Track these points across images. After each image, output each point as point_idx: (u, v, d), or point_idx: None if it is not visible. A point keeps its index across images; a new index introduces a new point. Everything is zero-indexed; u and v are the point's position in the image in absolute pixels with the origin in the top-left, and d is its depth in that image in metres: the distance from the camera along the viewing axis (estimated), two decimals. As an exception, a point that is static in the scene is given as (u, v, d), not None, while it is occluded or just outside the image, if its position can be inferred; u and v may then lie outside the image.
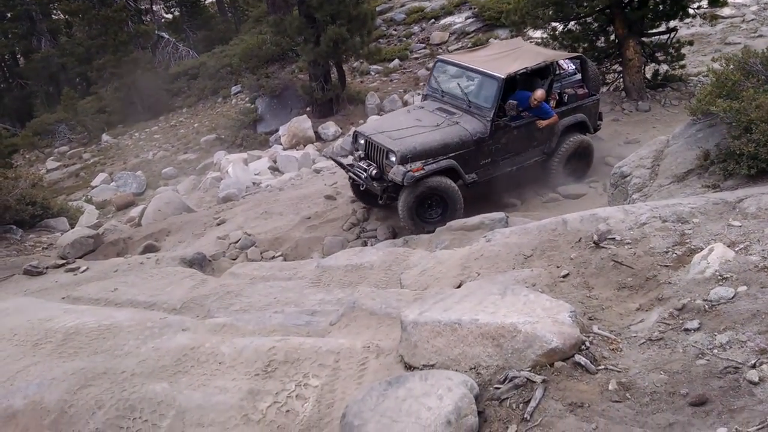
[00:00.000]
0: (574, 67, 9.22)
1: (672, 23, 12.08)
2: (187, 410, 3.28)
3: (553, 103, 8.55)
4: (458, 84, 8.44)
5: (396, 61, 19.74)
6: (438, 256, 5.39)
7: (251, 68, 20.56)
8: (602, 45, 12.45)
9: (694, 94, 9.48)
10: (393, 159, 7.59)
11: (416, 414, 2.59)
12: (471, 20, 20.58)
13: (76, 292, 6.58)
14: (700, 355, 2.81)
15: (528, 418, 2.62)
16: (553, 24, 12.46)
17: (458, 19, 20.90)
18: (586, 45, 12.33)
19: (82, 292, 6.60)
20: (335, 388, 3.26)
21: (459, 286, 4.29)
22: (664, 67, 12.55)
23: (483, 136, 7.93)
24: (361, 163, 8.11)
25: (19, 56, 31.20)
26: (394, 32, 22.03)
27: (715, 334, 2.90)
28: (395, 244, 7.71)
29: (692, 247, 3.74)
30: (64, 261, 8.27)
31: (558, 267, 4.05)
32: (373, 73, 19.66)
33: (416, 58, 19.95)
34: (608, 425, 2.51)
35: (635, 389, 2.71)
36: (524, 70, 8.10)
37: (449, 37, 20.46)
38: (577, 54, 9.34)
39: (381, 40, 21.14)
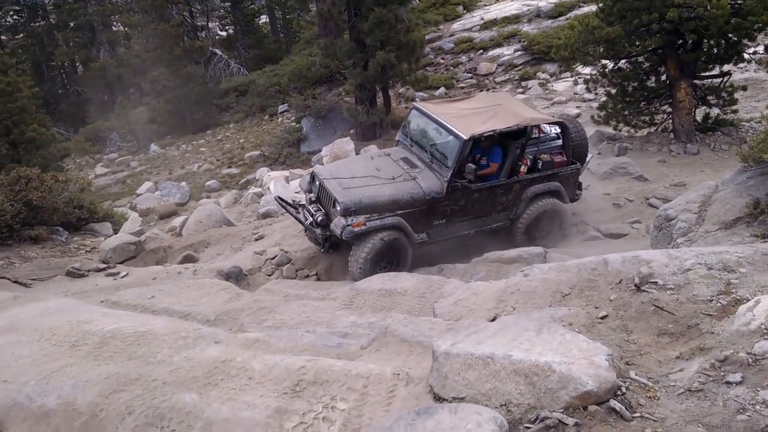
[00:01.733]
0: (558, 131, 8.49)
1: (726, 67, 11.90)
2: (214, 423, 3.30)
3: (524, 168, 7.92)
4: (427, 136, 7.96)
5: (442, 89, 19.85)
6: (473, 288, 5.35)
7: (299, 88, 20.99)
8: (652, 85, 12.31)
9: (746, 141, 9.31)
10: (338, 209, 7.20)
11: (443, 447, 2.55)
12: (519, 53, 20.65)
13: (114, 297, 6.73)
14: (741, 410, 2.71)
15: (558, 461, 2.55)
16: (603, 61, 12.39)
17: (507, 51, 20.97)
18: (636, 84, 12.22)
19: (120, 297, 6.75)
20: (362, 413, 3.23)
21: (493, 320, 4.24)
22: (715, 111, 12.33)
23: (438, 197, 7.39)
24: (311, 207, 7.72)
25: (78, 64, 32.46)
26: (442, 61, 22.21)
27: (758, 389, 2.80)
28: (430, 271, 7.68)
29: (738, 297, 3.63)
30: (106, 265, 8.48)
31: (596, 308, 3.97)
32: (418, 100, 19.79)
33: (462, 88, 20.03)
34: (641, 476, 2.43)
35: (671, 441, 2.62)
36: (491, 133, 7.51)
37: (497, 68, 20.52)
38: (558, 120, 8.50)
39: (428, 68, 21.32)
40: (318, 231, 7.45)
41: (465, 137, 7.29)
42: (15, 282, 7.92)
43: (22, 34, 32.29)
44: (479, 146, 7.87)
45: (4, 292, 6.72)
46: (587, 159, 9.21)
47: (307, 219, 7.63)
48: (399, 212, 7.29)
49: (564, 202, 8.32)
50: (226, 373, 3.75)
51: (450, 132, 7.58)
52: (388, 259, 7.41)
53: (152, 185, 18.17)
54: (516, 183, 7.86)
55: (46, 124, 18.97)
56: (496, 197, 7.82)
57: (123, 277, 7.85)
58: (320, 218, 7.39)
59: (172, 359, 4.03)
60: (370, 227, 7.11)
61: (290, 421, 3.24)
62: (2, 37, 32.38)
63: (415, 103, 8.82)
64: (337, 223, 7.06)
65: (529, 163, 7.96)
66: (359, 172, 7.73)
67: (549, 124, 8.33)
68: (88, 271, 8.19)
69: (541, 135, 8.31)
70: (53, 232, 10.48)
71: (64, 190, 11.10)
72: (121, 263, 8.85)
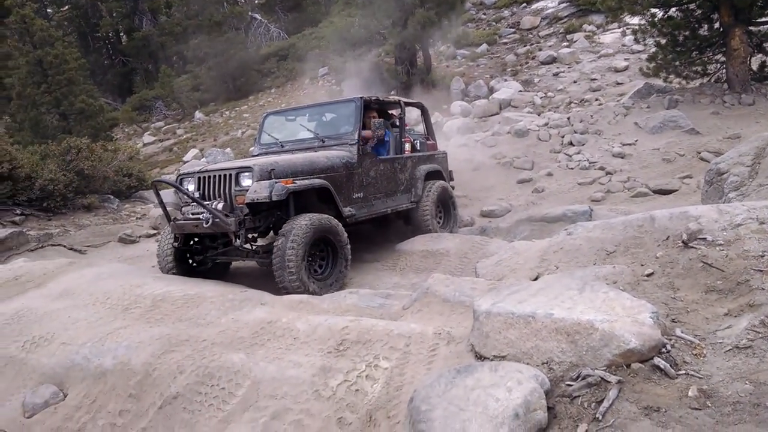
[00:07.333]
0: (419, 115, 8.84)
1: (784, 11, 11.29)
2: (261, 381, 3.40)
3: (408, 146, 7.75)
4: (302, 126, 7.28)
5: (484, 46, 19.44)
6: (516, 247, 5.30)
7: (339, 50, 20.84)
8: (705, 33, 11.79)
9: (805, 89, 8.86)
10: (248, 179, 5.67)
11: (484, 404, 2.57)
12: (564, 5, 20.02)
13: (164, 262, 6.90)
14: (791, 368, 2.64)
15: (600, 418, 2.54)
16: (653, 10, 11.91)
17: (551, 4, 20.36)
18: (687, 33, 11.73)
19: (170, 261, 6.92)
20: (404, 371, 3.28)
21: (536, 279, 4.21)
22: (772, 59, 11.76)
23: (351, 161, 6.56)
24: (194, 208, 5.92)
25: (122, 34, 32.95)
26: (484, 16, 21.71)
27: (811, 346, 2.72)
28: (472, 231, 7.65)
29: (791, 252, 3.50)
30: (156, 231, 8.72)
31: (642, 265, 3.89)
32: (459, 58, 19.46)
33: (505, 43, 19.59)
34: (685, 433, 2.41)
35: (717, 397, 2.58)
36: (376, 98, 7.32)
37: (540, 22, 19.97)
38: (417, 102, 8.79)
39: (469, 24, 20.90)
40: (229, 220, 5.53)
41: (358, 96, 7.00)
42: (71, 249, 8.25)
43: (67, 7, 32.87)
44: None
45: (61, 258, 7.01)
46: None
47: (200, 218, 5.68)
48: (322, 176, 6.17)
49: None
50: (272, 333, 3.85)
51: (339, 102, 7.44)
52: (324, 258, 5.94)
53: (198, 152, 18.50)
54: (408, 159, 7.65)
55: (93, 95, 19.47)
56: (396, 173, 7.37)
57: (172, 242, 8.06)
58: (221, 205, 5.72)
59: (220, 321, 4.16)
60: (300, 186, 5.72)
61: (335, 379, 3.31)
62: (48, 10, 33.03)
63: (266, 111, 8.22)
64: (260, 187, 5.45)
65: (412, 141, 7.95)
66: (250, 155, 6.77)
67: (409, 105, 8.33)
68: (140, 237, 8.45)
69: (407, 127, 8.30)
70: (105, 200, 10.82)
71: (113, 159, 11.42)
72: (170, 229, 9.08)
